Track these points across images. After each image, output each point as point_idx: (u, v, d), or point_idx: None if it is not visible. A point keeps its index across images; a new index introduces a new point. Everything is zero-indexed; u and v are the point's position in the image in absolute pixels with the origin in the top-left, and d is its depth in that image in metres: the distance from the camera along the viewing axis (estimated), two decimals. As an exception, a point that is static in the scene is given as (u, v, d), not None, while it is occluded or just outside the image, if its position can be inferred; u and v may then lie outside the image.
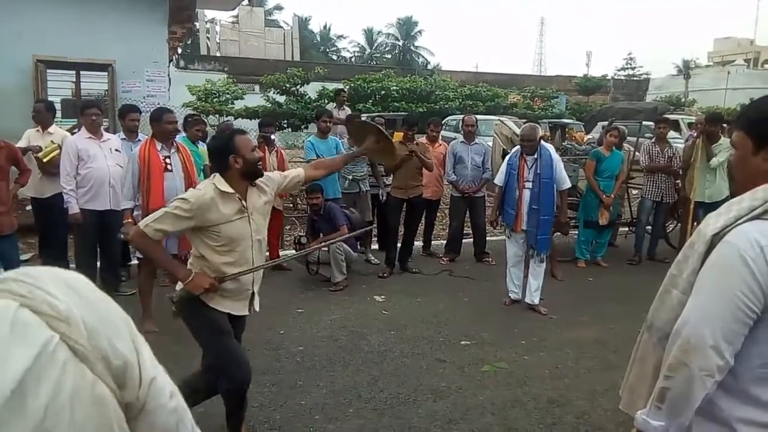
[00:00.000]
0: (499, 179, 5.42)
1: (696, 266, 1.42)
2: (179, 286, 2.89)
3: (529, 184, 5.18)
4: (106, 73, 8.53)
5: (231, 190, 2.79)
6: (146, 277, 4.70)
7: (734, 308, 1.30)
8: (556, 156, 5.33)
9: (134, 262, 6.09)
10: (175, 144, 4.72)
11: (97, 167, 5.08)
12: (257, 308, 3.08)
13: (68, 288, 0.76)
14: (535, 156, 5.19)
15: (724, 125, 7.71)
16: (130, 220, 4.47)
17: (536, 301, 5.32)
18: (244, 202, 2.85)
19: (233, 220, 2.80)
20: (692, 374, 1.34)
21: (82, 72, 8.84)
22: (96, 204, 5.11)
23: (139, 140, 5.55)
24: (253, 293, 3.01)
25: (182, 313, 2.94)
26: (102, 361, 0.74)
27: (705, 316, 1.34)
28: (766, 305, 1.30)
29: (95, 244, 5.29)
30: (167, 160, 4.58)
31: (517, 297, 5.45)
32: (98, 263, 5.43)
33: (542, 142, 6.64)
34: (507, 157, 5.46)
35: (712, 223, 1.41)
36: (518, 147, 6.63)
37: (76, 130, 5.88)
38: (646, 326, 1.63)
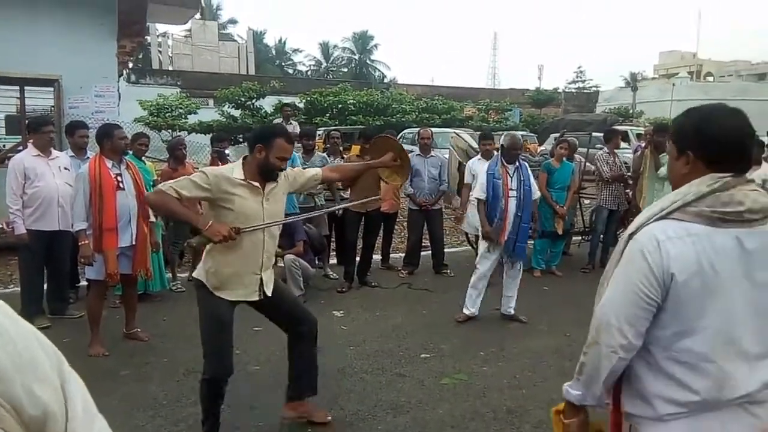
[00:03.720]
0: (480, 192, 5.28)
1: (617, 259, 1.61)
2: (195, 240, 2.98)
3: (513, 193, 5.16)
4: (52, 89, 8.27)
5: (242, 179, 2.93)
6: (96, 299, 4.54)
7: (634, 295, 1.50)
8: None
9: (83, 283, 5.90)
10: (125, 161, 4.61)
11: (45, 186, 4.90)
12: (269, 293, 3.13)
13: None
14: (516, 164, 5.24)
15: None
16: (86, 241, 4.33)
17: (513, 311, 5.38)
18: (258, 185, 2.98)
19: (247, 198, 2.94)
20: (600, 350, 1.56)
21: (26, 87, 8.55)
22: (43, 224, 4.92)
23: (88, 157, 5.40)
24: (261, 279, 3.08)
25: (197, 296, 3.07)
26: (11, 413, 0.62)
27: (611, 302, 1.55)
28: (664, 294, 1.48)
29: (42, 265, 5.09)
30: (119, 178, 4.46)
31: (474, 314, 5.36)
32: (45, 285, 5.22)
33: (495, 153, 6.79)
34: (485, 168, 5.37)
35: (634, 222, 1.61)
36: (478, 156, 6.75)
37: (20, 148, 5.68)
38: None
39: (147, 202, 3.17)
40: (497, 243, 5.19)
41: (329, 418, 3.44)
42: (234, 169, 2.99)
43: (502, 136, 5.68)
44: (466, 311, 5.37)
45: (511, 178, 5.18)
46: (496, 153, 5.72)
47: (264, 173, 2.99)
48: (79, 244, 4.39)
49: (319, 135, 18.74)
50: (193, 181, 2.88)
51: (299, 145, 7.12)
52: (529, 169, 5.39)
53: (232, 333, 3.08)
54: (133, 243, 4.50)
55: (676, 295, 1.47)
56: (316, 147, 7.25)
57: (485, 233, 5.21)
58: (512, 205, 5.14)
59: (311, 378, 3.36)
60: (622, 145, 15.25)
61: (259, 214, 2.97)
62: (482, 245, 5.37)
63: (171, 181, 2.96)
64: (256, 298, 3.09)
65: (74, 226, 4.45)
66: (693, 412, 1.50)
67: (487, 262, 5.30)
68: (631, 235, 1.56)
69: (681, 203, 1.50)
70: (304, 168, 6.30)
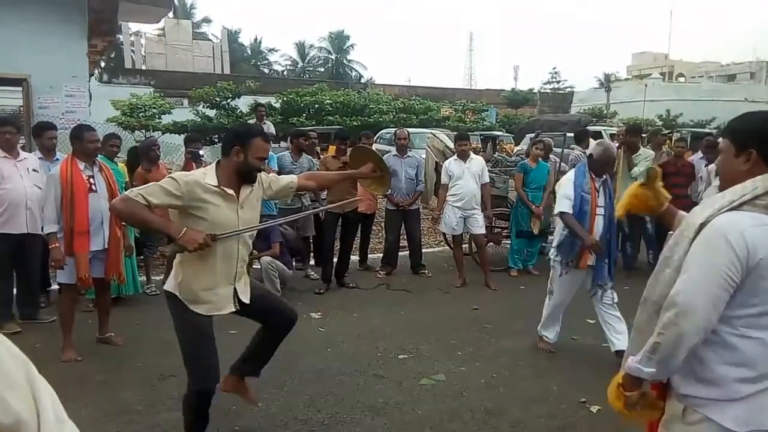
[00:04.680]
0: (566, 205, 4.41)
1: (687, 248, 1.72)
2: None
3: (601, 210, 4.42)
4: (20, 88, 8.09)
5: (215, 185, 2.77)
6: (68, 303, 4.45)
7: (719, 279, 1.62)
8: None
9: (54, 287, 5.78)
10: (97, 163, 4.52)
11: (13, 188, 4.78)
12: (246, 300, 3.00)
13: None
14: (603, 178, 4.51)
15: (644, 136, 8.12)
16: (56, 244, 4.23)
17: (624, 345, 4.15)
18: (233, 193, 2.83)
19: (220, 206, 2.79)
20: (681, 332, 1.64)
21: (-6, 87, 8.36)
22: (11, 227, 4.79)
23: (57, 159, 5.29)
24: (235, 289, 2.95)
25: (169, 308, 2.92)
26: None
27: (695, 286, 1.65)
28: (744, 277, 1.62)
29: (11, 269, 4.96)
30: (91, 180, 4.37)
31: (553, 342, 4.72)
32: (14, 290, 5.10)
33: (471, 153, 6.82)
34: (572, 178, 4.52)
35: (699, 214, 1.74)
36: (454, 156, 6.73)
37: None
38: (641, 303, 1.89)
39: (113, 211, 2.99)
40: (578, 267, 4.43)
41: (259, 404, 3.46)
42: (206, 175, 2.80)
43: (594, 145, 4.68)
44: (547, 340, 4.73)
45: (599, 193, 4.46)
46: (581, 161, 5.01)
47: (243, 175, 2.85)
48: (50, 247, 4.29)
49: (295, 135, 18.70)
50: (163, 187, 2.68)
51: (276, 145, 7.09)
52: (610, 182, 4.66)
53: (214, 342, 2.93)
54: (106, 247, 4.42)
55: (759, 277, 1.61)
56: (311, 148, 7.22)
57: (591, 244, 4.27)
58: (599, 224, 4.39)
59: (262, 364, 3.29)
60: (596, 145, 15.52)
61: (233, 222, 2.82)
62: (557, 267, 4.53)
63: (138, 187, 2.77)
64: (231, 309, 2.96)
65: (44, 229, 4.34)
66: (761, 391, 1.64)
67: (566, 285, 4.52)
68: (702, 225, 1.69)
69: (750, 196, 1.66)
70: (292, 167, 6.34)
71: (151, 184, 2.79)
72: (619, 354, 4.07)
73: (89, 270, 4.28)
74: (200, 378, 2.87)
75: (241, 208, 2.87)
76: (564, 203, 4.44)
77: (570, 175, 4.57)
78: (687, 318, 1.64)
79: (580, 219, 4.36)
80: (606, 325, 4.43)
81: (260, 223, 3.15)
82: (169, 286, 2.92)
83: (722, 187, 1.80)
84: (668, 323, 1.67)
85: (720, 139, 1.98)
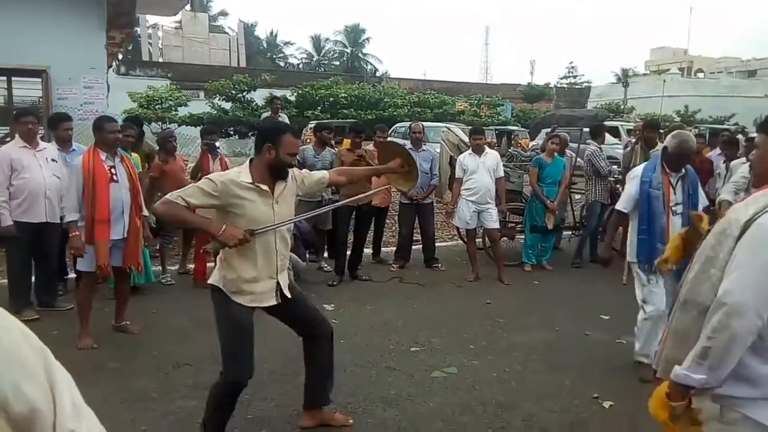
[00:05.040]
0: (622, 203, 4.12)
1: (731, 247, 1.67)
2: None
3: (678, 208, 3.99)
4: (39, 80, 8.18)
5: (249, 182, 2.86)
6: (86, 291, 4.51)
7: None
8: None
9: (72, 275, 5.86)
10: (119, 153, 4.59)
11: (32, 178, 4.84)
12: (288, 294, 3.07)
13: None
14: (680, 173, 4.08)
15: (661, 131, 8.03)
16: (76, 233, 4.32)
17: None
18: (267, 188, 2.91)
19: (256, 202, 2.87)
20: (734, 334, 1.59)
21: (13, 78, 8.46)
22: (31, 216, 4.87)
23: (74, 150, 5.39)
24: (278, 282, 3.01)
25: (213, 301, 2.99)
26: None
27: (746, 286, 1.60)
28: None
29: (29, 258, 5.04)
30: (113, 170, 4.45)
31: (650, 361, 3.83)
32: (33, 278, 5.18)
33: (486, 148, 6.79)
34: (639, 173, 4.09)
35: (742, 211, 1.69)
36: (469, 150, 6.71)
37: (8, 139, 5.61)
38: (679, 304, 1.84)
39: (156, 214, 3.10)
40: (659, 272, 3.82)
41: (350, 421, 3.38)
42: (241, 173, 2.91)
43: (669, 137, 4.17)
44: (648, 362, 3.90)
45: (675, 189, 4.02)
46: (656, 154, 4.52)
47: (276, 171, 2.93)
48: (70, 235, 4.36)
49: (310, 128, 18.75)
50: (201, 188, 2.81)
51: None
52: (697, 176, 4.23)
53: (252, 336, 3.00)
54: (125, 236, 4.49)
55: None
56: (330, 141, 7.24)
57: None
58: (676, 224, 3.91)
59: (325, 388, 3.31)
60: (614, 140, 15.40)
61: (269, 217, 2.91)
62: (641, 275, 4.05)
63: (178, 190, 2.87)
64: (273, 302, 3.02)
65: (66, 218, 4.42)
66: None
67: (655, 294, 3.99)
68: (747, 222, 1.65)
69: None
70: (314, 161, 6.37)
71: (189, 186, 2.94)
72: None
73: (108, 258, 4.36)
74: (234, 370, 2.94)
75: (276, 203, 2.94)
76: (621, 200, 4.14)
77: (637, 170, 4.16)
78: (739, 319, 1.59)
79: (650, 218, 3.96)
80: None
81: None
82: (213, 279, 3.01)
83: (758, 183, 1.77)
84: (719, 326, 1.62)
85: (749, 135, 2.00)
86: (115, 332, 4.69)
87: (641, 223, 4.01)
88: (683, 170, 4.06)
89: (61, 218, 4.98)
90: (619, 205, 4.14)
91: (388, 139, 6.15)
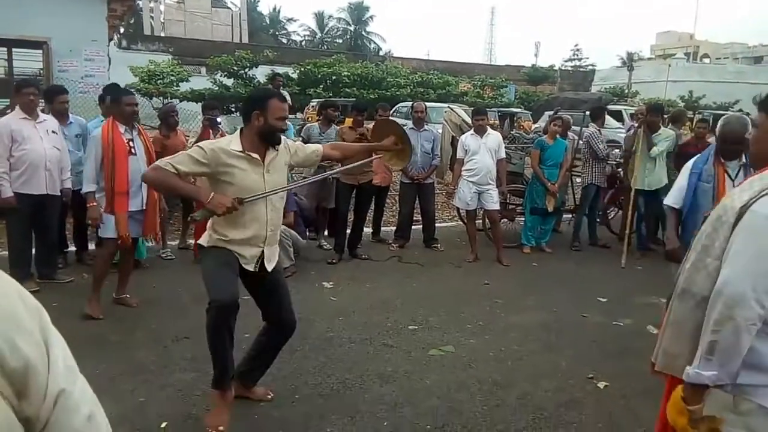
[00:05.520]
0: (672, 197, 3.73)
1: (727, 235, 1.64)
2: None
3: None
4: (40, 51, 8.13)
5: (239, 150, 2.87)
6: (106, 257, 4.57)
7: None
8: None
9: (71, 248, 5.88)
10: (136, 127, 4.64)
11: (32, 149, 4.83)
12: (269, 269, 3.08)
13: None
14: (741, 161, 3.62)
15: (665, 116, 7.99)
16: (93, 203, 4.40)
17: None
18: (258, 157, 2.91)
19: (246, 170, 2.87)
20: (738, 325, 1.55)
21: (14, 49, 8.41)
22: (31, 188, 4.86)
23: (71, 122, 5.46)
24: (263, 251, 3.02)
25: (201, 258, 3.05)
26: None
27: (744, 274, 1.56)
28: None
29: (30, 230, 5.05)
30: (131, 143, 4.50)
31: None
32: (33, 250, 5.19)
33: (488, 129, 6.74)
34: (689, 166, 3.76)
35: (737, 197, 1.66)
36: (471, 131, 6.68)
37: (8, 111, 5.58)
38: (677, 294, 1.82)
39: (145, 180, 3.10)
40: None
41: (270, 396, 3.37)
42: (231, 142, 2.92)
43: (720, 121, 3.83)
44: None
45: (733, 181, 3.55)
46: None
47: (266, 137, 2.92)
48: (88, 205, 4.46)
49: (312, 106, 18.65)
50: (191, 156, 2.81)
51: (293, 116, 7.07)
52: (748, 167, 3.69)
53: (236, 273, 2.96)
54: (144, 207, 4.56)
55: None
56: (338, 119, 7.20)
57: (669, 248, 3.60)
58: None
59: (263, 372, 3.36)
60: (617, 125, 15.32)
61: (260, 185, 2.91)
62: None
63: (168, 157, 2.87)
64: (251, 268, 3.00)
65: (84, 188, 4.50)
66: None
67: None
68: (742, 209, 1.61)
69: None
70: (320, 138, 6.34)
71: (179, 153, 2.92)
72: None
73: (128, 229, 4.44)
74: (216, 292, 2.86)
75: (267, 172, 2.94)
76: (670, 194, 3.78)
77: (690, 162, 3.79)
78: (740, 309, 1.55)
79: (689, 213, 3.57)
80: None
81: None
82: (202, 241, 3.05)
83: (755, 162, 1.73)
84: (721, 318, 1.58)
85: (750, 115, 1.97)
86: (115, 305, 4.72)
87: (684, 216, 3.65)
88: (743, 159, 3.59)
89: (62, 191, 5.00)
90: (668, 200, 3.76)
91: (384, 117, 6.09)
